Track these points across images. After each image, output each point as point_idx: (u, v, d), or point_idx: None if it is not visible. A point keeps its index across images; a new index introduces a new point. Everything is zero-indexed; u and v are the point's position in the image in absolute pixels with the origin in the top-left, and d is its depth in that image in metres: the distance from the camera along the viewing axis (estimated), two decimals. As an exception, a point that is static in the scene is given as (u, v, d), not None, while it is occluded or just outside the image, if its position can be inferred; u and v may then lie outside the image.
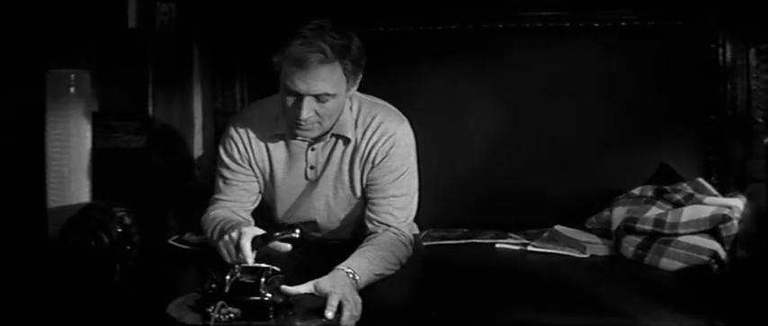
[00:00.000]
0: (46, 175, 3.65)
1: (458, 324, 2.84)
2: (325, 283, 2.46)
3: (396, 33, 3.88)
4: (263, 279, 2.35)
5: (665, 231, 3.14)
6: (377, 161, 2.85)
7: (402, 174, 2.86)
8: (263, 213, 3.07)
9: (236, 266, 2.41)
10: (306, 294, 2.44)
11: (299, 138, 2.83)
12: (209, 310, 2.29)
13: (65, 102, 3.64)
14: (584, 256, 3.28)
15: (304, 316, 2.38)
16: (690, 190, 3.37)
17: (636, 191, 3.46)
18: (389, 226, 2.85)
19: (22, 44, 3.88)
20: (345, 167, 2.89)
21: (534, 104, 3.76)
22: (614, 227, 3.33)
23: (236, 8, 3.99)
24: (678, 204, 3.30)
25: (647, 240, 3.16)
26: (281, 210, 3.02)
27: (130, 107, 3.93)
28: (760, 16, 3.61)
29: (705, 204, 3.22)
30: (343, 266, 2.58)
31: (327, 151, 2.88)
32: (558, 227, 3.53)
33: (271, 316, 2.34)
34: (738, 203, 3.20)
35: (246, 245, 2.48)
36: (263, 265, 2.41)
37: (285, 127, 2.83)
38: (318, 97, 2.63)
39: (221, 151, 2.97)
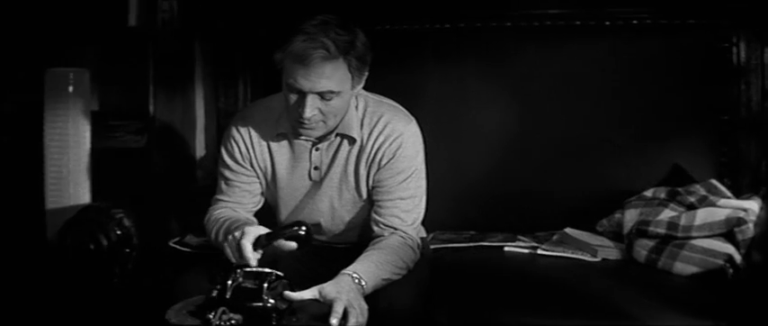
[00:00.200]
0: (44, 175, 3.63)
1: (466, 331, 2.81)
2: (329, 288, 2.42)
3: (403, 31, 3.87)
4: (265, 284, 2.30)
5: (679, 235, 3.12)
6: (383, 162, 2.80)
7: (409, 175, 2.81)
8: (268, 215, 3.03)
9: (238, 270, 2.36)
10: (310, 299, 2.40)
11: (303, 137, 2.79)
12: (210, 316, 2.24)
13: (64, 101, 3.62)
14: (596, 260, 3.25)
15: (308, 323, 2.34)
16: (703, 192, 3.36)
17: (648, 193, 3.45)
18: (396, 229, 2.80)
19: (20, 42, 3.85)
20: (351, 167, 2.84)
21: (544, 104, 3.74)
22: (626, 230, 3.30)
23: (238, 5, 3.98)
24: (691, 207, 3.28)
25: (661, 244, 3.14)
26: (285, 212, 2.97)
27: (131, 106, 3.89)
28: (775, 14, 3.57)
29: (719, 207, 3.21)
30: (348, 270, 2.54)
31: (332, 151, 2.84)
32: (568, 230, 3.51)
33: (273, 323, 2.29)
34: (753, 206, 3.18)
35: (247, 246, 2.44)
36: (266, 269, 2.37)
37: (288, 126, 2.79)
38: (322, 95, 2.59)
39: (222, 151, 2.92)
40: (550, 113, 3.72)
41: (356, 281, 2.50)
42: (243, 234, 2.47)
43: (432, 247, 3.32)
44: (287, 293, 2.35)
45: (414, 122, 2.86)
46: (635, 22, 3.76)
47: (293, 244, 2.49)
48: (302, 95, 2.58)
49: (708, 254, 3.02)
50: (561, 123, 3.71)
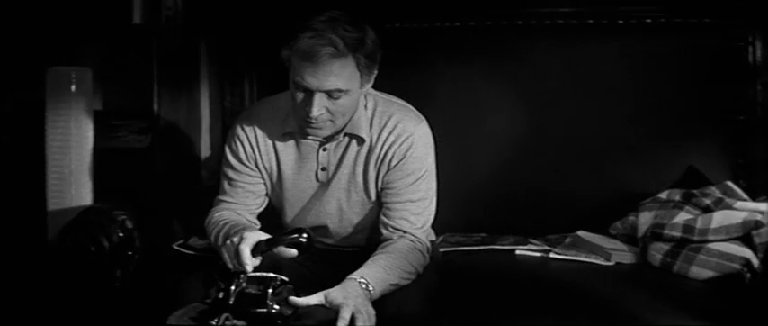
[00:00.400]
0: (46, 176, 3.61)
1: (477, 337, 2.79)
2: (336, 294, 2.39)
3: (412, 30, 3.84)
4: (270, 290, 2.28)
5: (695, 238, 3.08)
6: (393, 163, 2.77)
7: (420, 177, 2.78)
8: (273, 217, 3.01)
9: (242, 275, 2.34)
10: (316, 305, 2.38)
11: (310, 137, 2.75)
12: (213, 322, 2.22)
13: (66, 100, 3.60)
14: (609, 263, 3.21)
15: (314, 329, 2.33)
16: (719, 194, 3.32)
17: (663, 195, 3.41)
18: (405, 232, 2.77)
19: (21, 40, 3.85)
20: (359, 168, 2.81)
21: (555, 104, 3.70)
22: (640, 233, 3.27)
23: (245, 1, 3.96)
24: (707, 209, 3.24)
25: (676, 248, 3.10)
26: (290, 214, 2.94)
27: (134, 106, 3.90)
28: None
29: (736, 210, 3.17)
30: (355, 275, 2.50)
31: (340, 152, 2.80)
32: (580, 233, 3.46)
33: (278, 329, 2.28)
34: (771, 209, 3.15)
35: (245, 251, 2.40)
36: (271, 274, 2.34)
37: (295, 126, 2.75)
38: (330, 94, 2.55)
39: (227, 151, 2.90)
40: (562, 113, 3.68)
41: (363, 286, 2.47)
42: (242, 239, 2.43)
43: (441, 250, 3.29)
44: (292, 298, 2.33)
45: (424, 121, 2.83)
46: (649, 20, 3.73)
47: (294, 251, 2.45)
48: (309, 93, 2.54)
49: (724, 258, 2.97)
50: (573, 124, 3.67)
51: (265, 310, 2.25)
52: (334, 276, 2.51)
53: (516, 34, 3.79)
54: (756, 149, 3.65)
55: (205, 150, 4.14)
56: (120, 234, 3.08)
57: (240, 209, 2.89)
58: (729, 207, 3.19)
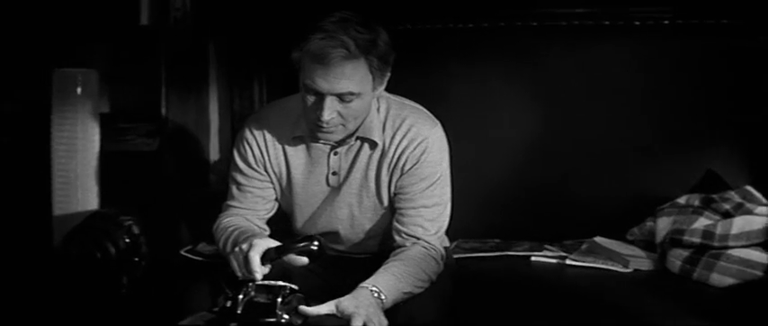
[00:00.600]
0: (51, 180, 3.60)
1: (492, 346, 2.76)
2: (347, 302, 2.36)
3: (425, 31, 3.84)
4: (279, 299, 2.25)
5: (715, 244, 3.07)
6: (407, 168, 2.72)
7: (434, 182, 2.73)
8: (283, 222, 2.99)
9: (250, 283, 2.31)
10: (327, 314, 2.35)
11: (321, 141, 2.72)
12: None
13: (72, 102, 3.58)
14: (627, 270, 3.21)
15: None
16: (739, 199, 3.27)
17: (681, 200, 3.38)
18: (419, 239, 2.73)
19: (27, 41, 3.83)
20: (371, 173, 2.77)
21: (571, 107, 3.70)
22: (659, 239, 3.26)
23: (254, 2, 3.95)
24: (727, 215, 3.21)
25: (696, 254, 3.09)
26: (301, 219, 2.90)
27: (142, 108, 3.86)
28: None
29: (757, 215, 3.13)
30: (367, 283, 2.47)
31: (352, 156, 2.76)
32: (597, 238, 3.46)
33: (287, 339, 2.26)
34: (791, 214, 3.13)
35: (255, 259, 2.37)
36: (280, 282, 2.31)
37: (305, 129, 2.71)
38: (341, 97, 2.51)
39: (235, 154, 2.86)
40: (578, 116, 3.67)
41: (375, 295, 2.43)
42: (251, 246, 2.40)
43: (455, 256, 3.25)
44: (302, 307, 2.30)
45: (439, 125, 2.78)
46: (666, 22, 3.71)
47: (304, 259, 2.43)
48: (320, 96, 2.50)
49: (746, 265, 2.96)
50: (590, 127, 3.66)
51: (274, 320, 2.22)
52: (346, 285, 2.48)
53: (531, 35, 3.78)
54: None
55: (214, 154, 4.12)
56: (127, 240, 3.07)
57: (249, 214, 2.85)
58: (750, 212, 3.15)
